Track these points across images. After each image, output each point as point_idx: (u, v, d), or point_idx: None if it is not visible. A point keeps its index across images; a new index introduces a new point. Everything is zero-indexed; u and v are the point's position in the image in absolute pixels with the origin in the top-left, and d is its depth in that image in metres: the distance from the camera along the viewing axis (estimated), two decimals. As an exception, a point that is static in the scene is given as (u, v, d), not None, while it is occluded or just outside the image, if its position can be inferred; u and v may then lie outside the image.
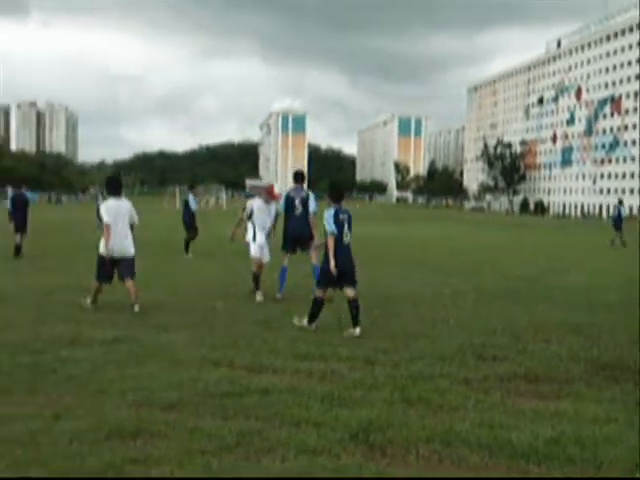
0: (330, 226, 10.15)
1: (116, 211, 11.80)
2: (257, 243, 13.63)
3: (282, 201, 13.39)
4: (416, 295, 14.56)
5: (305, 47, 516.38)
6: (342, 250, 10.18)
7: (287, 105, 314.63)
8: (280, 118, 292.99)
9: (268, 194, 14.01)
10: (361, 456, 5.35)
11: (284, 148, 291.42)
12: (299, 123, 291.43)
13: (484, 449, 5.47)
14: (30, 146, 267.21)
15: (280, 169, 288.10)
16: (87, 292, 12.14)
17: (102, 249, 11.75)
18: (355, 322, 10.18)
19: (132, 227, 12.18)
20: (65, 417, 6.04)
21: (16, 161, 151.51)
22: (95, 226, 29.32)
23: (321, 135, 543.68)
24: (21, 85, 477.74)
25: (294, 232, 13.15)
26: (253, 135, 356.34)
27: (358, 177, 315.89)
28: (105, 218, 11.69)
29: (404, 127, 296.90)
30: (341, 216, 10.30)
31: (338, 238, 10.15)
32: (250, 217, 13.74)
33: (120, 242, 11.77)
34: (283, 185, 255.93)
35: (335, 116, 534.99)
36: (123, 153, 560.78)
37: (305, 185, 13.90)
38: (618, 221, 36.95)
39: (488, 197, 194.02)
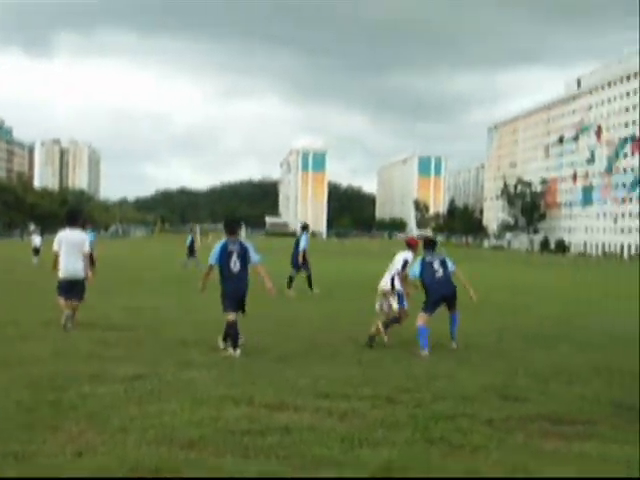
0: (212, 257, 11.49)
1: (66, 240, 13.52)
2: None
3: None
4: (437, 334, 14.47)
5: (327, 86, 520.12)
6: (231, 278, 11.39)
7: (308, 143, 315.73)
8: (300, 156, 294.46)
9: None
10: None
11: (304, 186, 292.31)
12: (319, 161, 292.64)
13: (507, 491, 5.41)
14: (53, 183, 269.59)
15: (300, 207, 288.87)
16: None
17: (59, 273, 13.65)
18: (233, 345, 11.27)
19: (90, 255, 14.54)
20: (86, 454, 6.03)
21: (39, 197, 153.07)
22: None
23: (341, 173, 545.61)
24: (45, 125, 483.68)
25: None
26: (273, 173, 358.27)
27: (378, 215, 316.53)
28: (54, 246, 13.55)
29: (424, 166, 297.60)
30: (230, 247, 11.46)
31: (225, 267, 11.38)
32: None
33: (72, 267, 13.52)
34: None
35: (355, 154, 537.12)
36: (145, 190, 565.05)
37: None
38: None
39: (508, 235, 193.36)
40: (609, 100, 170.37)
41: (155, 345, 11.94)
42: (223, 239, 11.71)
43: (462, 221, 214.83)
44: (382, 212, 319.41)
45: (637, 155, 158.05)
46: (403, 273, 13.14)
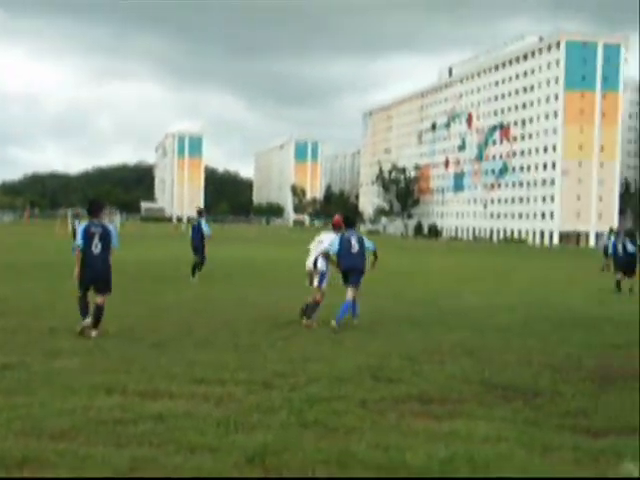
0: (78, 239, 11.63)
1: None
2: None
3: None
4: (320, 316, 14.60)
5: (203, 70, 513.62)
6: (92, 259, 11.55)
7: (184, 127, 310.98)
8: (176, 140, 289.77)
9: None
10: (257, 481, 5.31)
11: (180, 170, 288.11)
12: (195, 145, 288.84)
13: (380, 471, 5.51)
14: None
15: (176, 192, 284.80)
16: None
17: None
18: (94, 324, 11.51)
19: None
20: (-52, 449, 5.76)
21: None
22: None
23: (218, 158, 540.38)
24: None
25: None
26: (149, 158, 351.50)
27: (255, 200, 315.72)
28: None
29: (301, 151, 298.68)
30: (92, 229, 11.61)
31: (87, 249, 11.52)
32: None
33: None
34: (179, 209, 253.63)
35: (232, 139, 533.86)
36: (13, 174, 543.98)
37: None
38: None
39: (384, 220, 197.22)
40: (479, 89, 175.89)
41: (23, 333, 11.53)
42: (86, 221, 11.79)
43: (338, 206, 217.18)
44: (259, 197, 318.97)
45: (505, 143, 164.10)
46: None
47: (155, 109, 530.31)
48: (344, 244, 13.81)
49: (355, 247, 13.81)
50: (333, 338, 11.91)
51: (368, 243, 14.06)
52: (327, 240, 14.15)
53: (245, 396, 7.72)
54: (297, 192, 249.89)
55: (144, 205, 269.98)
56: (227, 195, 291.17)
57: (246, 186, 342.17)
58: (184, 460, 5.62)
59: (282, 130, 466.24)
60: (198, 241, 23.76)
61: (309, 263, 14.35)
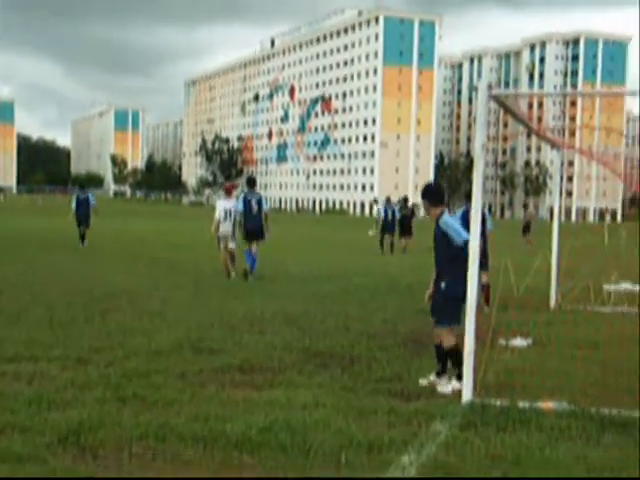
0: None
1: None
2: None
3: None
4: (134, 290, 14.31)
5: (16, 31, 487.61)
6: None
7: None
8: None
9: None
10: (71, 459, 5.12)
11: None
12: (7, 111, 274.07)
13: (199, 442, 5.46)
14: None
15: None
16: None
17: None
18: None
19: None
20: None
21: None
22: None
23: (32, 125, 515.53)
24: None
25: None
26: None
27: (73, 169, 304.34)
28: None
29: (121, 119, 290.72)
30: None
31: None
32: None
33: None
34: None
35: (48, 105, 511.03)
36: None
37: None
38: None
39: (207, 191, 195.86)
40: (301, 61, 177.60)
41: None
42: None
43: (161, 177, 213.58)
44: (78, 167, 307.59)
45: (327, 115, 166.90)
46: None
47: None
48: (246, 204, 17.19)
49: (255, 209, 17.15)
50: (152, 311, 11.70)
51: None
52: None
53: (59, 373, 7.45)
54: (117, 162, 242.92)
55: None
56: (43, 164, 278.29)
57: (64, 155, 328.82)
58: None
59: (102, 98, 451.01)
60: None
61: (224, 229, 17.39)
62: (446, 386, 7.34)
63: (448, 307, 7.49)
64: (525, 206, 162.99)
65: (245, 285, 16.00)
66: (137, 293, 13.89)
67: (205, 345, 9.06)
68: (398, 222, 30.06)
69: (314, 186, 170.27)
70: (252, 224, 17.28)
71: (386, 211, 30.06)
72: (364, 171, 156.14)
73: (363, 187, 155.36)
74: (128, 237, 33.63)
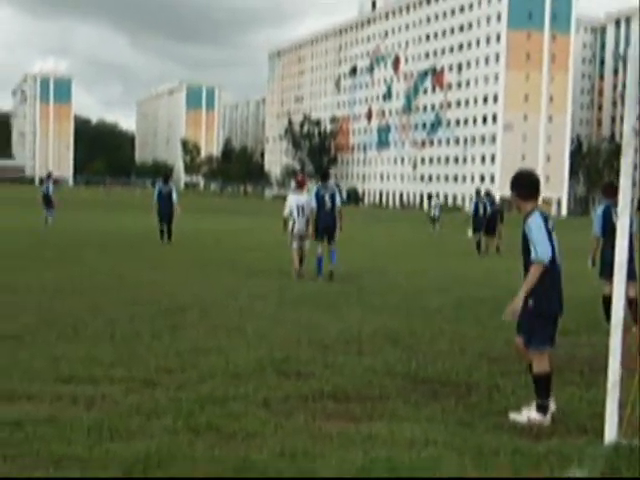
0: None
1: None
2: None
3: None
4: (208, 300, 14.55)
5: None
6: None
7: (49, 67, 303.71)
8: (39, 82, 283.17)
9: None
10: (137, 499, 5.27)
11: (44, 120, 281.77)
12: (63, 89, 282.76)
13: (285, 483, 5.54)
14: None
15: (39, 146, 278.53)
16: None
17: None
18: None
19: None
20: None
21: None
22: None
23: (91, 105, 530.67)
24: None
25: None
26: (3, 104, 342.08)
27: (138, 157, 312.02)
28: None
29: (194, 97, 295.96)
30: None
31: None
32: None
33: None
34: (43, 168, 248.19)
35: (110, 83, 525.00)
36: None
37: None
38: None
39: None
40: (407, 26, 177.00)
41: None
42: None
43: (240, 166, 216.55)
44: (143, 155, 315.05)
45: (438, 91, 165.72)
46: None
47: (12, 43, 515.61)
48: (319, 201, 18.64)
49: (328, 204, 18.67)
50: (230, 326, 11.88)
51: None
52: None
53: (123, 397, 7.64)
54: (189, 148, 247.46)
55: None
56: (104, 151, 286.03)
57: (127, 140, 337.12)
58: (47, 474, 5.53)
59: (172, 73, 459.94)
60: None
61: (298, 229, 19.05)
62: (520, 415, 7.28)
63: (537, 326, 7.40)
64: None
65: (341, 296, 16.06)
66: (212, 304, 14.12)
67: (292, 367, 9.14)
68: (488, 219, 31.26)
69: (422, 177, 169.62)
70: (325, 222, 18.76)
71: (476, 206, 31.34)
72: (483, 159, 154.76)
73: (482, 178, 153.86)
74: (202, 237, 34.20)
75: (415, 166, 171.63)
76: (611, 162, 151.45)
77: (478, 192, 33.19)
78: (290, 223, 19.04)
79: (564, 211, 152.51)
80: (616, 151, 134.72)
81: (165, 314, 12.86)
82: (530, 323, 7.48)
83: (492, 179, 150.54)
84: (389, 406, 7.67)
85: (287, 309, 13.95)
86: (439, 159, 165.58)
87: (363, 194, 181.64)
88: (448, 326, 12.67)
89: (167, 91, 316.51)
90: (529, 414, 7.34)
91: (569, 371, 9.40)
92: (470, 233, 32.92)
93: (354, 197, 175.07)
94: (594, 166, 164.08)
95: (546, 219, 7.49)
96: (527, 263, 7.54)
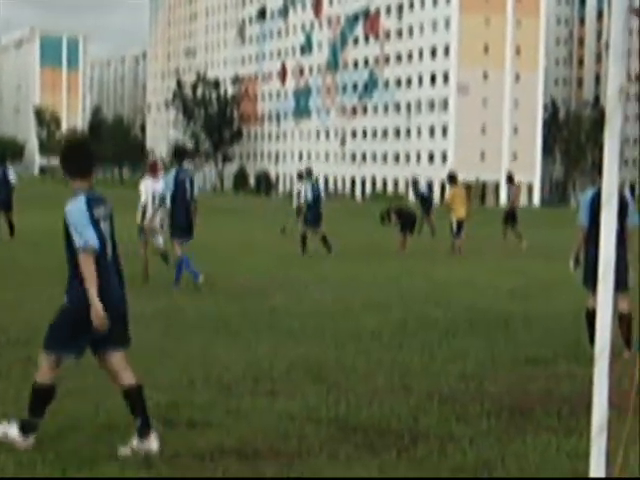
0: None
1: None
2: None
3: None
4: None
5: None
6: None
7: None
8: None
9: None
10: None
11: None
12: None
13: None
14: None
15: None
16: None
17: None
18: None
19: None
20: None
21: None
22: None
23: None
24: None
25: None
26: None
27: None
28: None
29: (51, 51, 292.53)
30: None
31: None
32: None
33: None
34: None
35: None
36: None
37: None
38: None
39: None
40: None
41: None
42: None
43: (113, 143, 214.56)
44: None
45: (372, 41, 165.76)
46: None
47: None
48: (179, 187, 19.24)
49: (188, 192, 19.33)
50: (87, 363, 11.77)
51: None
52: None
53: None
54: (45, 120, 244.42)
55: None
56: None
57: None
58: None
59: (20, 16, 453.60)
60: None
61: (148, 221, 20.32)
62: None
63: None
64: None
65: (246, 319, 16.01)
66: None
67: (182, 415, 9.14)
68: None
69: (353, 156, 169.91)
70: (184, 215, 19.56)
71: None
72: (432, 132, 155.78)
73: (431, 157, 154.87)
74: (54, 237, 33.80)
75: (344, 141, 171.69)
76: (596, 134, 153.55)
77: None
78: (141, 214, 20.34)
79: (536, 199, 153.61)
80: (601, 119, 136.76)
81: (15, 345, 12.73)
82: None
83: (444, 157, 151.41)
84: (311, 464, 7.71)
85: (175, 337, 13.88)
86: (375, 132, 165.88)
87: (277, 179, 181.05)
88: (387, 356, 12.75)
89: (14, 42, 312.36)
90: None
91: (543, 413, 9.54)
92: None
93: (265, 184, 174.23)
94: (574, 139, 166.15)
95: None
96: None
